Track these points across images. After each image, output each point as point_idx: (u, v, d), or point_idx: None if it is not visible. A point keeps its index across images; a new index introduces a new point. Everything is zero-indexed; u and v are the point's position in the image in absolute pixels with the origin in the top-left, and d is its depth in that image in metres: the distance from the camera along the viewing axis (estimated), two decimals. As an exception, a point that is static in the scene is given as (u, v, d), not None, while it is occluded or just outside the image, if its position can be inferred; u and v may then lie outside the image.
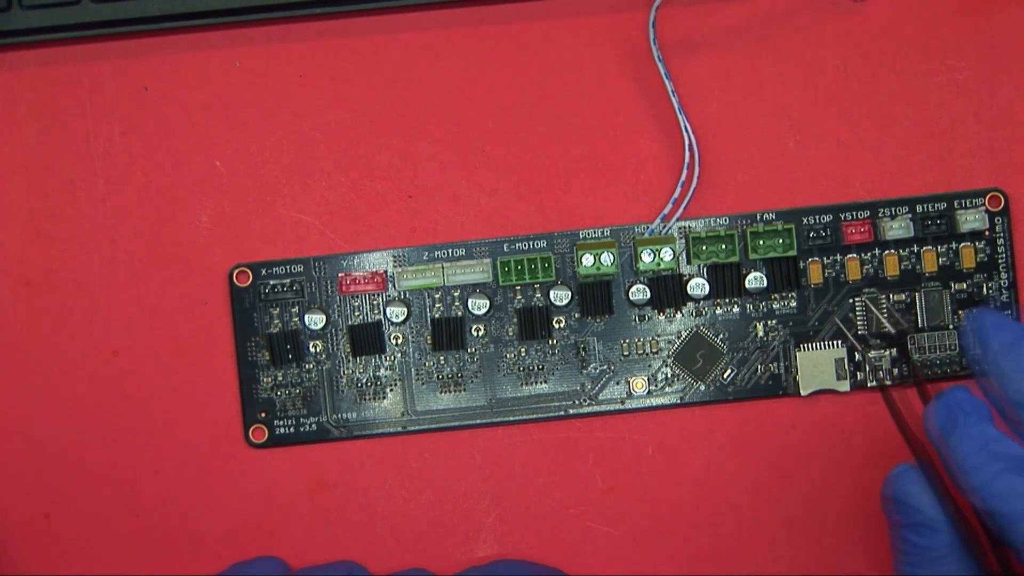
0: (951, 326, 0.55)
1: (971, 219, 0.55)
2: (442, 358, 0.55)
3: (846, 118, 0.55)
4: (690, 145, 0.54)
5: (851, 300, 0.55)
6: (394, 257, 0.55)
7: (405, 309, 0.55)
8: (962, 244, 0.55)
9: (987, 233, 0.55)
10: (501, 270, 0.54)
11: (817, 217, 0.55)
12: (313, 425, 0.55)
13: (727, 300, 0.55)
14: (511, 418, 0.55)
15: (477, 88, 0.55)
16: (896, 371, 0.55)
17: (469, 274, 0.55)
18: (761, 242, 0.54)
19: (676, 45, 0.55)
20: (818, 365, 0.55)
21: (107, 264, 0.55)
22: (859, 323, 0.55)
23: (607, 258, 0.54)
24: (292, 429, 0.55)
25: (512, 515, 0.55)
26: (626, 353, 0.55)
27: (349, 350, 0.55)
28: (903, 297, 0.55)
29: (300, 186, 0.55)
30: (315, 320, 0.55)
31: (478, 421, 0.55)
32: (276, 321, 0.55)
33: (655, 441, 0.56)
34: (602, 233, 0.55)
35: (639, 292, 0.55)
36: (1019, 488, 0.43)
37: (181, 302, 0.55)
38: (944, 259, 0.55)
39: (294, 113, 0.55)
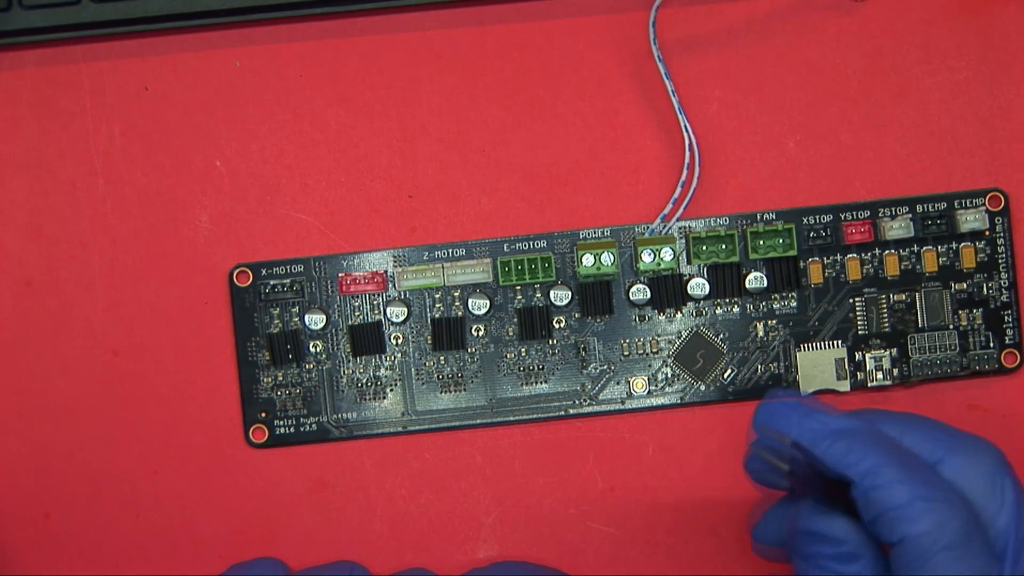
0: (951, 326, 0.55)
1: (971, 219, 0.55)
2: (442, 358, 0.55)
3: (846, 118, 0.56)
4: (690, 145, 0.54)
5: (851, 300, 0.55)
6: (394, 257, 0.55)
7: (405, 309, 0.55)
8: (962, 244, 0.55)
9: (987, 233, 0.55)
10: (501, 270, 0.54)
11: (817, 217, 0.55)
12: (313, 425, 0.55)
13: (727, 300, 0.55)
14: (511, 418, 0.55)
15: (477, 88, 0.55)
16: (896, 371, 0.55)
17: (469, 274, 0.55)
18: (761, 242, 0.54)
19: (676, 45, 0.55)
20: (818, 365, 0.55)
21: (107, 264, 0.55)
22: (859, 323, 0.55)
23: (607, 258, 0.54)
24: (292, 429, 0.55)
25: (512, 515, 0.55)
26: (626, 353, 0.55)
27: (349, 350, 0.55)
28: (903, 297, 0.55)
29: (300, 186, 0.55)
30: (315, 320, 0.55)
31: (478, 421, 0.55)
32: (276, 321, 0.55)
33: (655, 441, 0.56)
34: (602, 233, 0.55)
35: (639, 292, 0.55)
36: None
37: (181, 302, 0.55)
38: (944, 259, 0.55)
39: (294, 113, 0.55)
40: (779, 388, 0.54)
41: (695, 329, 0.55)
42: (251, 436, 0.55)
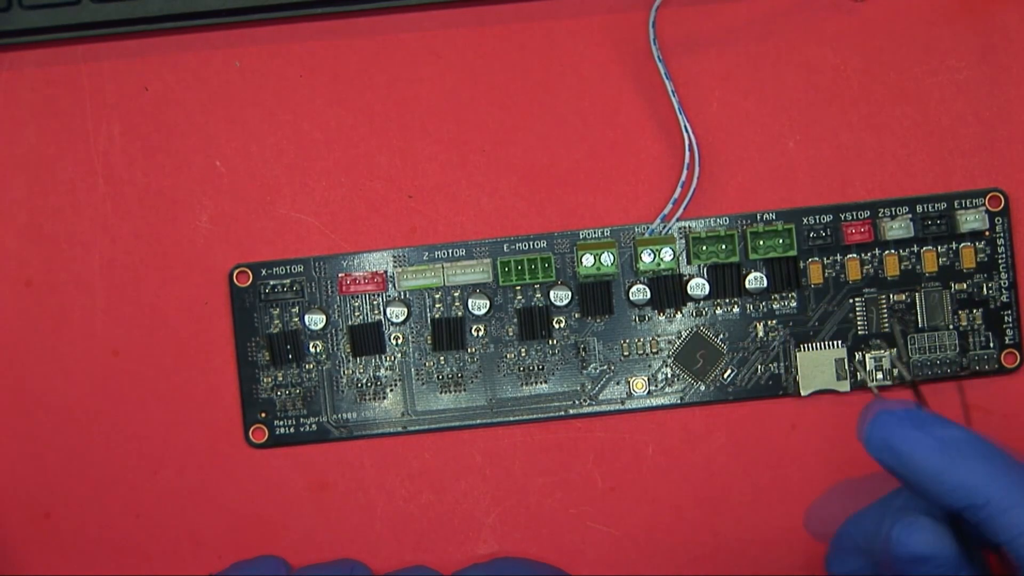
0: (951, 326, 0.55)
1: (971, 219, 0.55)
2: (442, 358, 0.55)
3: (846, 118, 0.56)
4: (690, 145, 0.54)
5: (851, 300, 0.55)
6: (394, 257, 0.55)
7: (405, 309, 0.55)
8: (962, 244, 0.55)
9: (987, 233, 0.55)
10: (501, 270, 0.54)
11: (817, 217, 0.55)
12: (313, 425, 0.55)
13: (727, 300, 0.55)
14: (511, 418, 0.55)
15: (477, 88, 0.55)
16: (896, 371, 0.55)
17: (469, 274, 0.55)
18: (761, 242, 0.54)
19: (676, 45, 0.55)
20: (818, 365, 0.55)
21: (107, 264, 0.55)
22: (859, 323, 0.55)
23: (607, 258, 0.54)
24: (292, 429, 0.55)
25: (512, 515, 0.55)
26: (626, 353, 0.55)
27: (349, 350, 0.55)
28: (903, 297, 0.55)
29: (300, 186, 0.55)
30: (315, 320, 0.55)
31: (478, 421, 0.55)
32: (276, 321, 0.55)
33: (655, 441, 0.56)
34: (602, 233, 0.55)
35: (639, 292, 0.55)
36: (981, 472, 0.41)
37: (181, 302, 0.55)
38: (944, 259, 0.55)
39: (294, 113, 0.55)
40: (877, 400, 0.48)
41: (695, 329, 0.55)
42: (251, 436, 0.55)
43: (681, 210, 0.55)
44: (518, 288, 0.55)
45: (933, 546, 0.42)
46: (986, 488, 0.41)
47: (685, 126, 0.54)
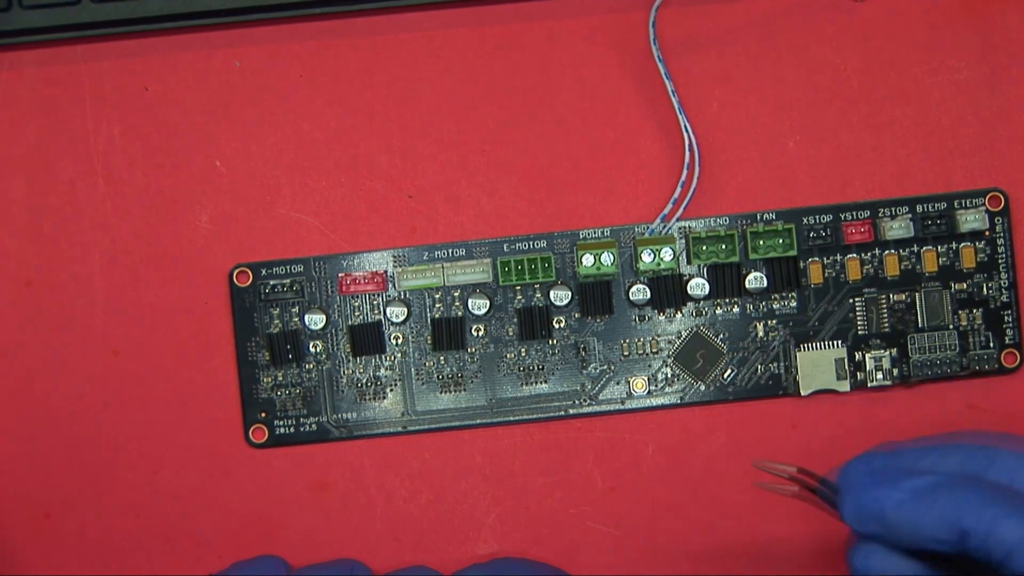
0: (951, 326, 0.55)
1: (971, 219, 0.55)
2: (442, 358, 0.55)
3: (846, 118, 0.56)
4: (690, 145, 0.54)
5: (851, 300, 0.55)
6: (394, 257, 0.55)
7: (405, 309, 0.55)
8: (962, 244, 0.55)
9: (987, 233, 0.55)
10: (501, 270, 0.54)
11: (817, 217, 0.55)
12: (313, 425, 0.55)
13: (727, 300, 0.55)
14: (511, 418, 0.55)
15: (477, 88, 0.55)
16: (896, 371, 0.55)
17: (469, 274, 0.55)
18: (761, 242, 0.54)
19: (676, 45, 0.55)
20: (818, 365, 0.55)
21: (107, 264, 0.55)
22: (859, 323, 0.55)
23: (607, 258, 0.54)
24: (292, 429, 0.55)
25: (512, 515, 0.55)
26: (626, 353, 0.55)
27: (349, 350, 0.55)
28: (903, 297, 0.55)
29: (300, 186, 0.55)
30: (315, 320, 0.55)
31: (478, 421, 0.55)
32: (276, 321, 0.55)
33: (655, 441, 0.56)
34: (602, 233, 0.55)
35: (639, 292, 0.55)
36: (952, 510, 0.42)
37: (181, 302, 0.55)
38: (944, 259, 0.55)
39: (294, 113, 0.55)
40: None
41: (695, 329, 0.55)
42: (251, 436, 0.55)
43: (681, 210, 0.55)
44: (518, 288, 0.55)
45: (893, 566, 0.44)
46: (962, 521, 0.41)
47: (685, 126, 0.54)
